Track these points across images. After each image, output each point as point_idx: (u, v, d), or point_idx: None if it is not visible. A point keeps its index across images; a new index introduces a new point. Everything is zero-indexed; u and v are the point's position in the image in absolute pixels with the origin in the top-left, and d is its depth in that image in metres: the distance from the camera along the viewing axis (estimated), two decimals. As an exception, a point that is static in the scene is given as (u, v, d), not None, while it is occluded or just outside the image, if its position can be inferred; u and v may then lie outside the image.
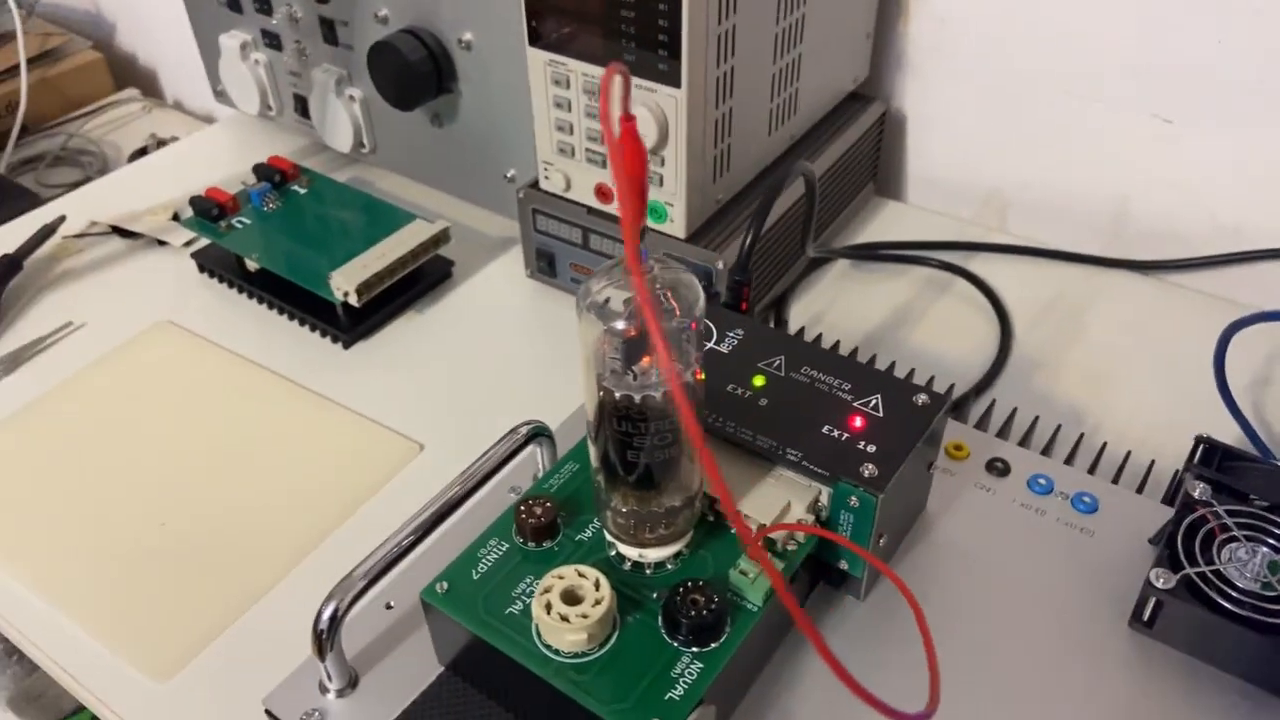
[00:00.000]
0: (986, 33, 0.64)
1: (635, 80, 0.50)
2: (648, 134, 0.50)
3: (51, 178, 0.89)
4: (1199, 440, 0.42)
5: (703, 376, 0.30)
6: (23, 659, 0.58)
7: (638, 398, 0.28)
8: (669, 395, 0.28)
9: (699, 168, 0.52)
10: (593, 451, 0.31)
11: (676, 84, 0.49)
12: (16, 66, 0.90)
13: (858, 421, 0.36)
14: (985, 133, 0.67)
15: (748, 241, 0.46)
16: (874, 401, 0.36)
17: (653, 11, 0.47)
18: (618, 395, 0.28)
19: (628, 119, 0.24)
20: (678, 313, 0.28)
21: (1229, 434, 0.46)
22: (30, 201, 0.74)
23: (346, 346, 0.59)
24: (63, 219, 0.67)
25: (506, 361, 0.58)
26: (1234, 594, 0.34)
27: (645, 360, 0.28)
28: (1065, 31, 0.61)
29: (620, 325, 0.27)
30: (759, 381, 0.37)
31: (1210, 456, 0.41)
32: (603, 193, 0.56)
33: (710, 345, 0.39)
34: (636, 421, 0.29)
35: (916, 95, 0.69)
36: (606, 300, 0.27)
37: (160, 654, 0.44)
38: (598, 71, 0.51)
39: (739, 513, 0.23)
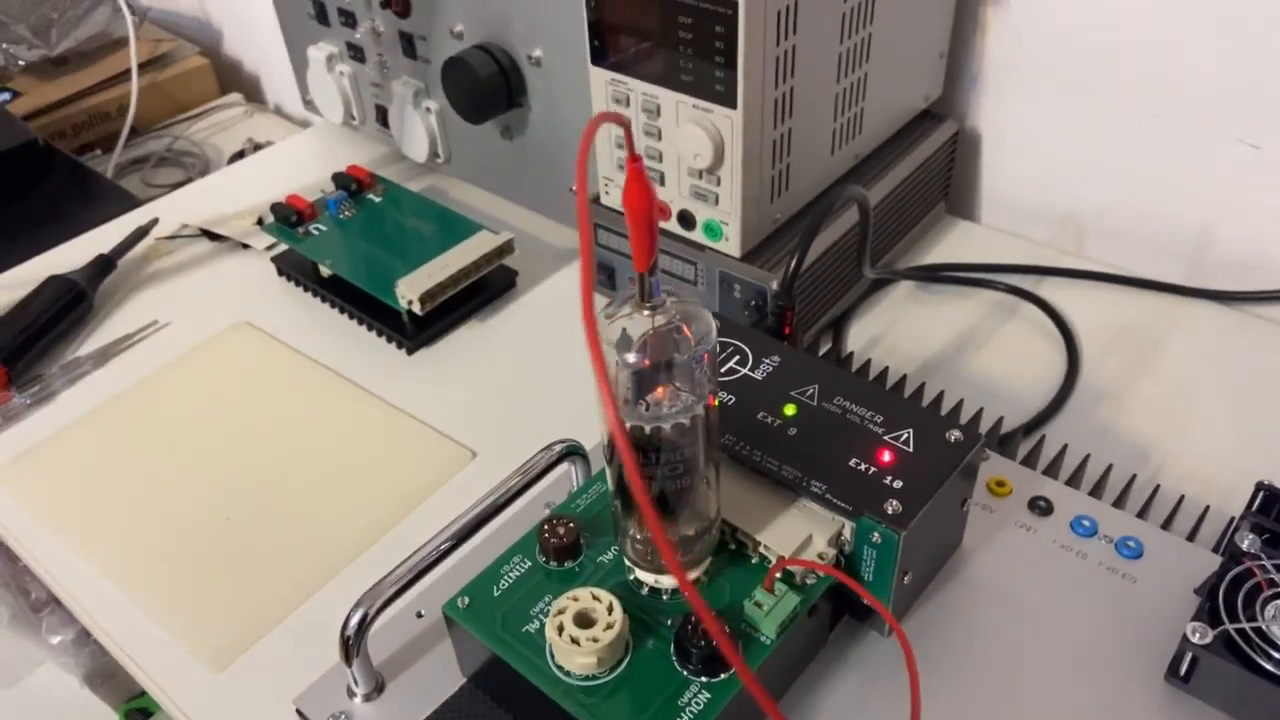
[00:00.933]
0: (1066, 51, 0.62)
1: (694, 100, 0.50)
2: (703, 153, 0.51)
3: (157, 178, 0.94)
4: (1259, 487, 0.40)
5: (716, 403, 0.30)
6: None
7: (648, 429, 0.29)
8: (680, 427, 0.29)
9: (755, 187, 0.52)
10: (609, 478, 0.32)
11: (732, 105, 0.49)
12: (129, 70, 0.95)
13: (886, 456, 0.35)
14: (1063, 153, 0.66)
15: (792, 266, 0.46)
16: (905, 436, 0.36)
17: (710, 33, 0.47)
18: (629, 425, 0.29)
19: (634, 159, 0.24)
20: (693, 344, 0.28)
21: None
22: (130, 203, 0.78)
23: (410, 352, 0.61)
24: (155, 221, 0.70)
25: (563, 373, 0.59)
26: (1276, 654, 0.32)
27: (659, 391, 0.29)
28: (1149, 52, 0.59)
29: (631, 358, 0.28)
30: (790, 410, 0.37)
31: (1270, 504, 0.40)
32: (660, 209, 0.56)
33: (744, 371, 0.39)
34: (648, 452, 0.29)
35: (992, 113, 0.67)
36: (621, 331, 0.28)
37: (217, 645, 0.46)
38: (657, 91, 0.51)
39: (687, 580, 0.23)
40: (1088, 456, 0.46)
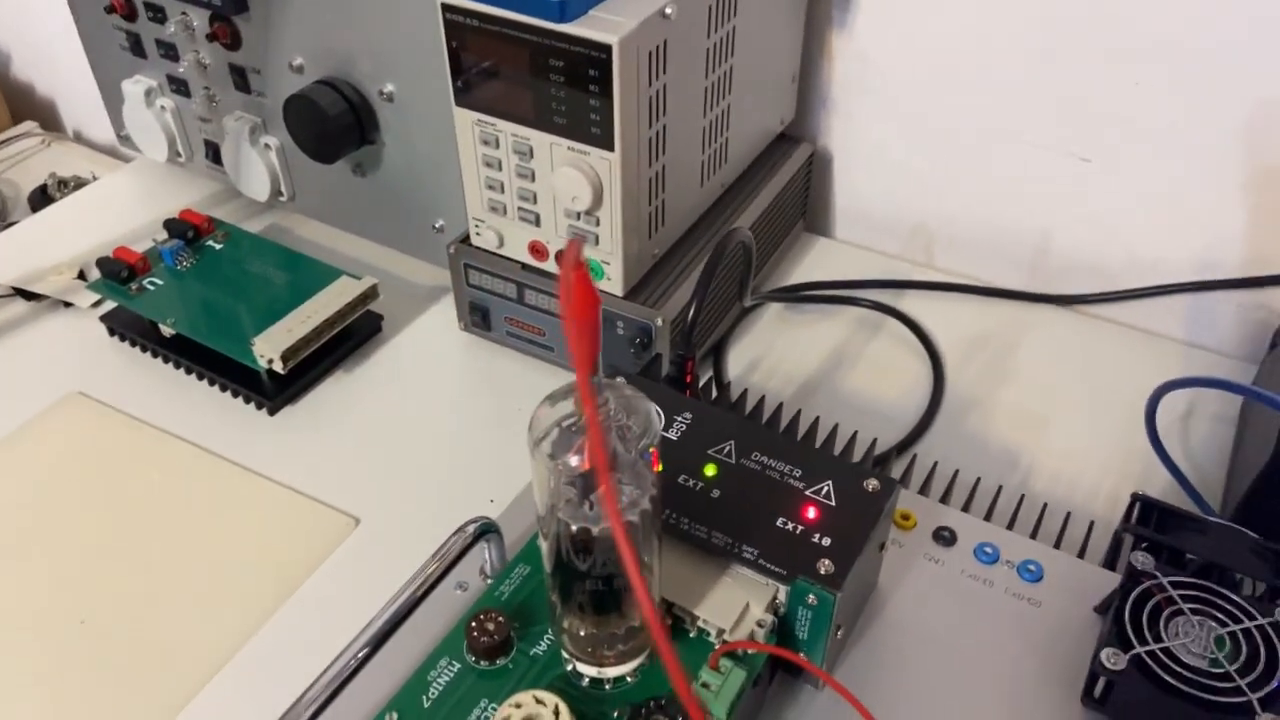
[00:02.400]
0: (909, 71, 0.64)
1: (568, 143, 0.49)
2: (581, 196, 0.49)
3: (-56, 221, 0.84)
4: (1135, 498, 0.43)
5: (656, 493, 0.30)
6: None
7: (595, 530, 0.27)
8: (630, 525, 0.28)
9: (634, 226, 0.51)
10: (549, 577, 0.30)
11: (610, 147, 0.48)
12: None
13: (810, 512, 0.35)
14: (909, 169, 0.68)
15: (690, 315, 0.45)
16: (825, 489, 0.36)
17: (584, 75, 0.46)
18: (574, 528, 0.27)
19: (578, 268, 0.23)
20: (633, 441, 0.27)
21: (1155, 465, 0.49)
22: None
23: (272, 413, 0.57)
24: (-41, 282, 0.63)
25: (442, 421, 0.57)
26: (1183, 672, 0.34)
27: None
28: (986, 71, 0.62)
29: (574, 460, 0.26)
30: (710, 471, 0.37)
31: (1147, 515, 0.42)
32: (537, 250, 0.54)
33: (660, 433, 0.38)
34: (593, 554, 0.28)
35: (842, 133, 0.69)
36: (568, 427, 0.26)
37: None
38: (529, 133, 0.50)
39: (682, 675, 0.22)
40: (979, 480, 0.48)
